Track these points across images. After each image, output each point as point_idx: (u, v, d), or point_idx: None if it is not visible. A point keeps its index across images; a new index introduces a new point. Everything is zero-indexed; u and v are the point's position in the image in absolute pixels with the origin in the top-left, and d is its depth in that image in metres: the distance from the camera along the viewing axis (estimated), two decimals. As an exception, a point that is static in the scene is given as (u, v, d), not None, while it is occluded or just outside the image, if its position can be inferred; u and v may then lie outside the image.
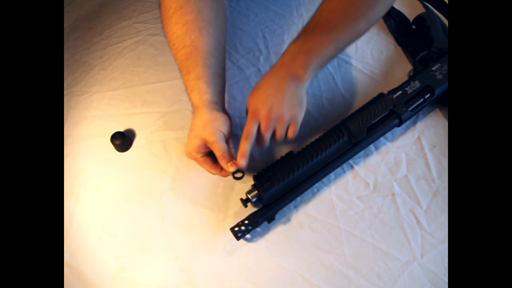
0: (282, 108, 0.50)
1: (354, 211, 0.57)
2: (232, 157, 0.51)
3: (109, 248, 0.56)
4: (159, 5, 0.55)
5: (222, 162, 0.51)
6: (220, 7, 0.56)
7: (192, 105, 0.54)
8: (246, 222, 0.53)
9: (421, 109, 0.61)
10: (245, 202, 0.54)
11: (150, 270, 0.54)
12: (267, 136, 0.51)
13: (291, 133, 0.53)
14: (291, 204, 0.58)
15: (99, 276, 0.54)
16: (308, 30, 0.52)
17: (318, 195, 0.59)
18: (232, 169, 0.50)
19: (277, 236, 0.56)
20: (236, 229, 0.52)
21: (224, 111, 0.54)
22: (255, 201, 0.54)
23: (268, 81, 0.52)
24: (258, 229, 0.56)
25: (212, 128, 0.50)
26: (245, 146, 0.50)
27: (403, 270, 0.53)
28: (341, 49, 0.53)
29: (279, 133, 0.52)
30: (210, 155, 0.53)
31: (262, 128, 0.51)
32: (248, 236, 0.55)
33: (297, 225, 0.56)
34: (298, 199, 0.58)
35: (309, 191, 0.58)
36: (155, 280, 0.54)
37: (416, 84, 0.60)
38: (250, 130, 0.50)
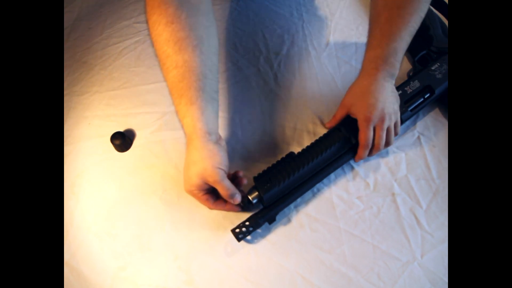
0: (389, 109, 0.54)
1: (354, 211, 0.57)
2: (236, 190, 0.50)
3: (109, 248, 0.56)
4: (147, 21, 0.50)
5: (231, 200, 0.51)
6: (211, 25, 0.52)
7: (185, 134, 0.51)
8: (247, 223, 0.52)
9: (421, 108, 0.61)
10: (246, 203, 0.54)
11: (150, 270, 0.54)
12: (383, 137, 0.55)
13: (398, 130, 0.58)
14: (292, 205, 0.58)
15: (99, 276, 0.54)
16: (376, 33, 0.55)
17: (318, 196, 0.59)
18: (238, 201, 0.51)
19: (277, 236, 0.56)
20: (237, 230, 0.52)
21: (219, 141, 0.51)
22: (256, 202, 0.54)
23: (367, 87, 0.54)
24: (259, 230, 0.56)
25: (212, 168, 0.48)
26: (365, 153, 0.56)
27: (403, 270, 0.53)
28: (416, 28, 0.55)
29: (397, 132, 0.58)
30: (211, 192, 0.52)
31: (378, 130, 0.55)
32: (248, 237, 0.55)
33: (297, 225, 0.56)
34: (298, 199, 0.58)
35: (309, 191, 0.58)
36: (155, 280, 0.54)
37: (416, 84, 0.60)
38: (368, 137, 0.54)
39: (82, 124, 0.67)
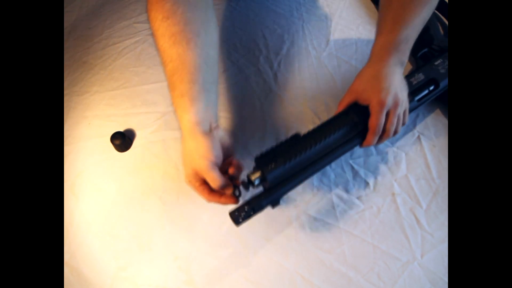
0: (401, 95, 0.53)
1: (354, 211, 0.57)
2: (228, 185, 0.48)
3: (109, 248, 0.56)
4: (148, 18, 0.51)
5: (221, 192, 0.49)
6: (209, 20, 0.52)
7: (179, 124, 0.50)
8: (248, 205, 0.47)
9: (427, 100, 0.60)
10: (247, 184, 0.49)
11: (150, 270, 0.54)
12: (395, 123, 0.53)
13: (406, 119, 0.56)
14: (291, 204, 0.58)
15: (99, 276, 0.54)
16: (388, 19, 0.54)
17: (318, 195, 0.59)
18: (230, 191, 0.49)
19: (277, 236, 0.56)
20: (236, 213, 0.47)
21: (214, 130, 0.50)
22: (258, 183, 0.49)
23: (379, 71, 0.53)
24: (258, 228, 0.56)
25: (198, 159, 0.47)
26: (375, 139, 0.53)
27: (403, 270, 0.53)
28: (426, 18, 0.55)
29: (405, 121, 0.55)
30: (207, 183, 0.50)
31: (391, 116, 0.52)
32: (248, 234, 0.55)
33: (297, 225, 0.56)
34: (298, 198, 0.58)
35: (309, 191, 0.58)
36: (155, 280, 0.54)
37: (421, 76, 0.59)
38: (380, 122, 0.51)
39: (82, 124, 0.67)
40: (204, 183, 0.50)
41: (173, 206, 0.58)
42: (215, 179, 0.47)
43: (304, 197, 0.58)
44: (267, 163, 0.48)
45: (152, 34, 0.51)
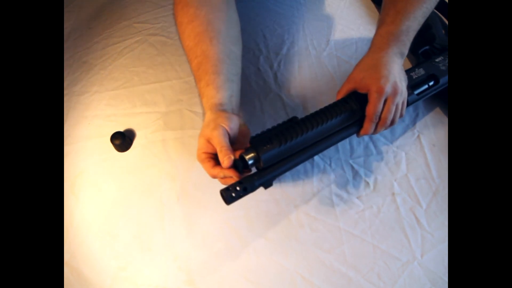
0: (400, 84, 0.53)
1: (354, 211, 0.57)
2: (231, 152, 0.47)
3: (109, 248, 0.56)
4: (175, 23, 0.57)
5: (220, 155, 0.47)
6: (231, 19, 0.58)
7: (204, 112, 0.53)
8: (240, 185, 0.46)
9: (426, 96, 0.59)
10: (241, 163, 0.48)
11: (150, 270, 0.54)
12: (392, 111, 0.53)
13: (404, 111, 0.55)
14: (291, 204, 0.58)
15: (99, 276, 0.54)
16: (390, 11, 0.55)
17: (318, 195, 0.59)
18: (226, 164, 0.47)
19: (277, 236, 0.56)
20: (228, 192, 0.46)
21: (231, 111, 0.52)
22: (252, 163, 0.49)
23: (379, 59, 0.53)
24: (258, 228, 0.56)
25: (214, 124, 0.48)
26: (372, 127, 0.53)
27: (403, 270, 0.53)
28: (427, 13, 0.56)
29: (403, 110, 0.55)
30: (215, 159, 0.49)
31: (389, 103, 0.52)
32: (248, 234, 0.55)
33: (297, 224, 0.56)
34: (298, 199, 0.58)
35: (309, 191, 0.58)
36: (155, 280, 0.54)
37: (421, 71, 0.60)
38: (378, 109, 0.51)
39: (82, 124, 0.67)
40: (211, 158, 0.49)
41: (173, 206, 0.58)
42: (219, 142, 0.47)
43: (304, 197, 0.58)
44: (262, 144, 0.48)
45: (179, 37, 0.57)
